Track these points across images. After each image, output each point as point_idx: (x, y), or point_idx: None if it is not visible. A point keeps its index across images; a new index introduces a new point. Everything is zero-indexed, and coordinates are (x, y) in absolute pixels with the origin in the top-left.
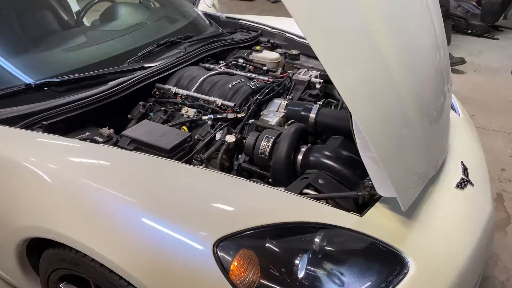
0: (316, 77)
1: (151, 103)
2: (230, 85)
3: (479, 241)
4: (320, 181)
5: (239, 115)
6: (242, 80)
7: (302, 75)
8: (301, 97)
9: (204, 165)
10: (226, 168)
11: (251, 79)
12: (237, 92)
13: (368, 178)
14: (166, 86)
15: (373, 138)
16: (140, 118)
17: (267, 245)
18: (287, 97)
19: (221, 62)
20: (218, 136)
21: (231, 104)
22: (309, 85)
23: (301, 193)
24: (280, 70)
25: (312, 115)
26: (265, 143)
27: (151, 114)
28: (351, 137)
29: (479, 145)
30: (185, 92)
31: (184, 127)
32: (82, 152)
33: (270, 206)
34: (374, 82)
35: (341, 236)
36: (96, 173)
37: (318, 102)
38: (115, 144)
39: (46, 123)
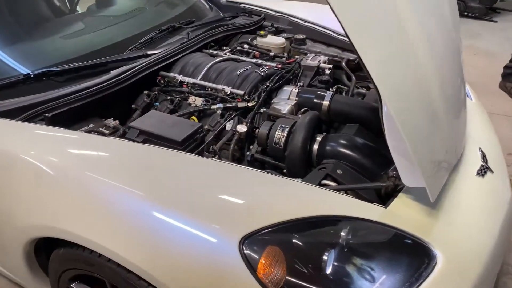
0: (324, 62)
1: (156, 92)
2: (238, 72)
3: (502, 229)
4: (339, 171)
5: (250, 104)
6: (250, 67)
7: (310, 61)
8: (311, 84)
9: (217, 156)
10: (237, 158)
11: (258, 65)
12: (245, 79)
13: (392, 168)
14: (171, 74)
15: (405, 127)
16: (145, 108)
17: (293, 241)
18: (298, 84)
19: (224, 48)
20: (228, 126)
21: (241, 92)
22: (318, 71)
23: (319, 184)
24: (285, 55)
25: (326, 102)
26: (280, 133)
27: (156, 103)
28: (366, 125)
29: (493, 130)
30: (191, 80)
31: (194, 117)
32: (90, 145)
33: (291, 200)
34: (406, 69)
35: (367, 229)
36: (107, 168)
37: (330, 89)
38: (123, 136)
39: (48, 115)
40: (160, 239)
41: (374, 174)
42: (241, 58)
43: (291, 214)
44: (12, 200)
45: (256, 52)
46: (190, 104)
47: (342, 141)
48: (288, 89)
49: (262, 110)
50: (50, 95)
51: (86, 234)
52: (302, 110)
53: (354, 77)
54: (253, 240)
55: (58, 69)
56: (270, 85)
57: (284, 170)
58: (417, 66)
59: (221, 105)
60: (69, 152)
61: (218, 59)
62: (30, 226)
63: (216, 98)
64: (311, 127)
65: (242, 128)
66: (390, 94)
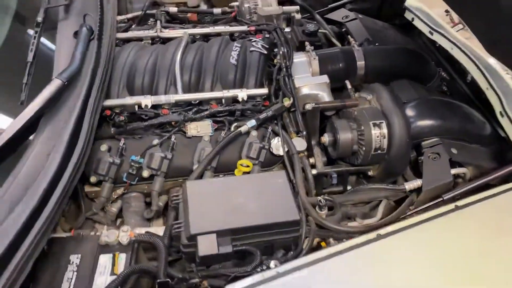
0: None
1: (124, 142)
2: (232, 61)
3: None
4: (453, 151)
5: (286, 103)
6: (239, 46)
7: (265, 7)
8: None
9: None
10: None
11: (231, 37)
12: (248, 67)
13: None
14: (128, 100)
15: None
16: (117, 173)
17: None
18: (307, 48)
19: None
20: (273, 147)
21: (264, 91)
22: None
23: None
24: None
25: (361, 63)
26: (377, 132)
27: (134, 157)
28: (410, 76)
29: None
30: (173, 98)
31: (247, 161)
32: None
33: None
34: None
35: None
36: None
37: (354, 42)
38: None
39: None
40: None
41: (481, 137)
42: (196, 32)
43: None
44: None
45: (189, 15)
46: (190, 138)
47: (428, 110)
48: (301, 60)
49: (308, 106)
50: None
51: None
52: (348, 85)
53: (318, 16)
54: None
55: None
56: (288, 63)
57: (370, 173)
58: None
59: (254, 122)
60: None
61: (180, 49)
62: None
63: (233, 114)
64: (403, 106)
65: (301, 144)
66: None
